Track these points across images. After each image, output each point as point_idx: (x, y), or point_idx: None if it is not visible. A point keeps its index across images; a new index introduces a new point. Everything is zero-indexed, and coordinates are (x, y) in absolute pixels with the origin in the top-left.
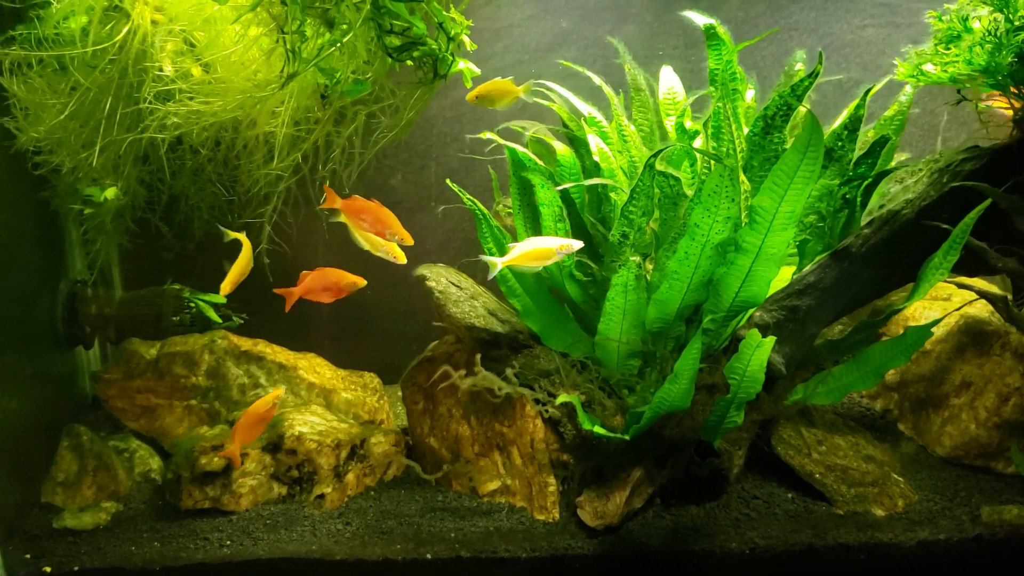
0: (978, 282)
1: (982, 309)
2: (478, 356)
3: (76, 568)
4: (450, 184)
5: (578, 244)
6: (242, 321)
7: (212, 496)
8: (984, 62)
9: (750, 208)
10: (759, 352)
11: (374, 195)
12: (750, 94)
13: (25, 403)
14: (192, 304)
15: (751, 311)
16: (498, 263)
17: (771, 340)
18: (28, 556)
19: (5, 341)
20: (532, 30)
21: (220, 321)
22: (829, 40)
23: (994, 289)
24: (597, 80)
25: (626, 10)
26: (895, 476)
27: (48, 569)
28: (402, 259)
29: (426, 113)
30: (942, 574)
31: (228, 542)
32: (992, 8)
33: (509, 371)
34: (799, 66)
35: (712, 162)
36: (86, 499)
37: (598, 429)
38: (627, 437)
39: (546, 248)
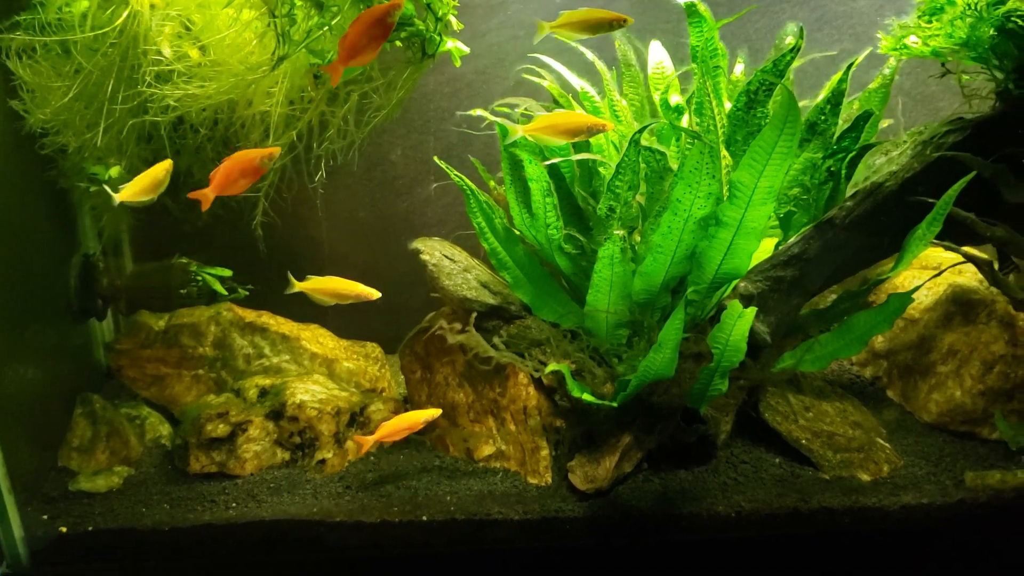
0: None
1: (971, 278)
2: (472, 315)
3: (90, 528)
4: (437, 161)
5: (610, 125)
6: (247, 293)
7: (218, 461)
8: (965, 35)
9: (730, 183)
10: (740, 322)
11: (373, 170)
12: (739, 68)
13: (44, 373)
14: (199, 277)
15: (735, 282)
16: (519, 130)
17: (752, 311)
18: (45, 517)
19: (25, 315)
20: (528, 6)
21: (226, 293)
22: (821, 12)
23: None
24: (590, 55)
25: None
26: (881, 442)
27: (64, 529)
28: (374, 295)
29: (424, 88)
30: (925, 537)
31: (234, 504)
32: None
33: (497, 339)
34: (789, 39)
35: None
36: (100, 463)
37: (587, 396)
38: (615, 404)
39: (574, 123)
